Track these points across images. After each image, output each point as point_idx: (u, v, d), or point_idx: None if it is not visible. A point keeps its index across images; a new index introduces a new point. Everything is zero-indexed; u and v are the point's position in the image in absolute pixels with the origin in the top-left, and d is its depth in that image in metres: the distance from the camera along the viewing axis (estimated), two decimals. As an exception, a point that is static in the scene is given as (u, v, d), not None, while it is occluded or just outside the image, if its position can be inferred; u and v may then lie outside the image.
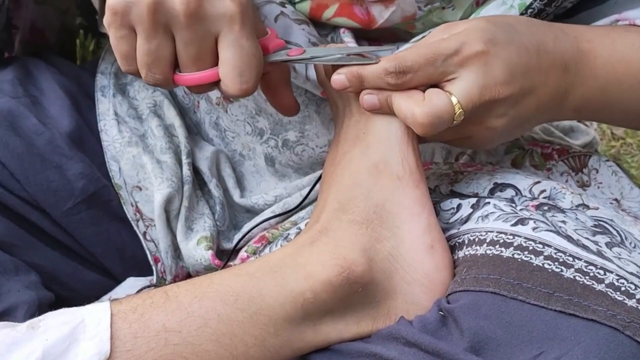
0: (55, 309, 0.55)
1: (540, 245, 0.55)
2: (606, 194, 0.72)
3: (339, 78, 0.60)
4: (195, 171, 0.79)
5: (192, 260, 0.74)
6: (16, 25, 0.81)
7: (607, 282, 0.52)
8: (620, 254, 0.55)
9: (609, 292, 0.52)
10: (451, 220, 0.62)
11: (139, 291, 0.72)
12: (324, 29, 0.73)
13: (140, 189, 0.77)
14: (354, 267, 0.56)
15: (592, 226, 0.59)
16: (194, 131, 0.83)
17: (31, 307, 0.64)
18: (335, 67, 0.61)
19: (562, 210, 0.60)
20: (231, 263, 0.74)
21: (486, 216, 0.59)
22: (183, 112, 0.83)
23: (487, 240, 0.57)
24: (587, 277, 0.53)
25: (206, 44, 0.57)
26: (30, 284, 0.67)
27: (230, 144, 0.80)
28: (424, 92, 0.58)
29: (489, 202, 0.61)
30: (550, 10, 0.67)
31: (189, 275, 0.77)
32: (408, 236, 0.58)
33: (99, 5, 0.76)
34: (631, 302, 0.51)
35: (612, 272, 0.53)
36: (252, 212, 0.79)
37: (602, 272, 0.53)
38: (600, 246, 0.56)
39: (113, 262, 0.76)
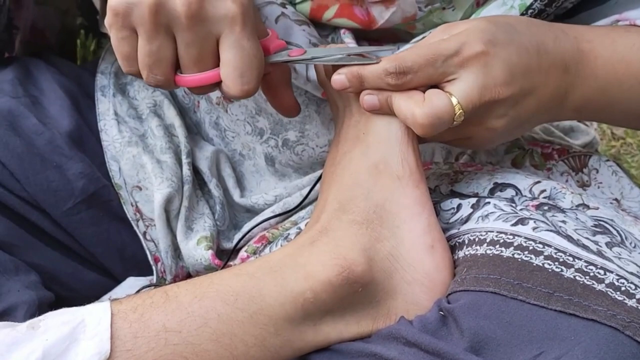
0: (55, 309, 0.55)
1: (541, 245, 0.55)
2: (606, 194, 0.72)
3: (339, 78, 0.60)
4: (195, 171, 0.79)
5: (192, 260, 0.74)
6: (17, 26, 0.81)
7: (607, 282, 0.52)
8: (620, 254, 0.55)
9: (609, 292, 0.52)
10: (451, 220, 0.62)
11: (138, 291, 0.72)
12: (325, 30, 0.73)
13: (140, 188, 0.77)
14: (354, 267, 0.56)
15: (592, 226, 0.59)
16: (194, 131, 0.83)
17: (31, 307, 0.64)
18: (335, 68, 0.61)
19: (562, 210, 0.60)
20: (231, 263, 0.74)
21: (486, 216, 0.59)
22: (183, 111, 0.83)
23: (487, 240, 0.57)
24: (587, 277, 0.53)
25: (207, 45, 0.57)
26: (30, 284, 0.67)
27: (230, 143, 0.80)
28: (424, 92, 0.58)
29: (489, 202, 0.61)
30: (551, 10, 0.67)
31: (189, 275, 0.77)
32: (408, 236, 0.58)
33: (100, 5, 0.76)
34: (631, 302, 0.51)
35: (612, 272, 0.53)
36: (252, 211, 0.79)
37: (602, 272, 0.53)
38: (600, 246, 0.56)
39: (113, 262, 0.76)
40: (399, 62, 0.57)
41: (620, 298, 0.51)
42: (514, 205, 0.60)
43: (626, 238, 0.59)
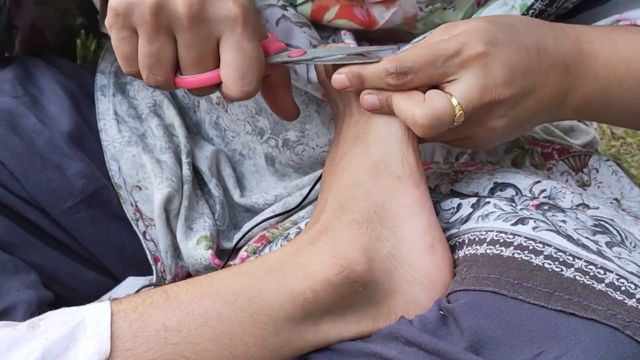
0: (55, 309, 0.55)
1: (541, 245, 0.55)
2: (606, 194, 0.72)
3: (339, 78, 0.60)
4: (195, 171, 0.79)
5: (192, 259, 0.74)
6: (16, 26, 0.81)
7: (607, 281, 0.52)
8: (620, 254, 0.56)
9: (609, 292, 0.52)
10: (451, 220, 0.62)
11: (138, 291, 0.72)
12: (325, 31, 0.73)
13: (140, 188, 0.77)
14: (354, 266, 0.56)
15: (592, 226, 0.59)
16: (194, 131, 0.83)
17: (31, 306, 0.64)
18: (335, 67, 0.61)
19: (562, 210, 0.60)
20: (231, 262, 0.74)
21: (486, 215, 0.59)
22: (183, 111, 0.83)
23: (487, 240, 0.57)
24: (587, 277, 0.53)
25: (208, 46, 0.57)
26: (30, 284, 0.67)
27: (230, 143, 0.80)
28: (424, 92, 0.58)
29: (489, 202, 0.61)
30: (552, 10, 0.67)
31: (188, 275, 0.77)
32: (408, 235, 0.58)
33: (99, 5, 0.76)
34: (631, 302, 0.51)
35: (612, 272, 0.53)
36: (252, 211, 0.79)
37: (602, 271, 0.53)
38: (600, 246, 0.56)
39: (113, 262, 0.76)
40: (400, 62, 0.57)
41: (620, 298, 0.51)
42: (514, 204, 0.60)
43: (626, 238, 0.59)
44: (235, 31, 0.56)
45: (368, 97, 0.59)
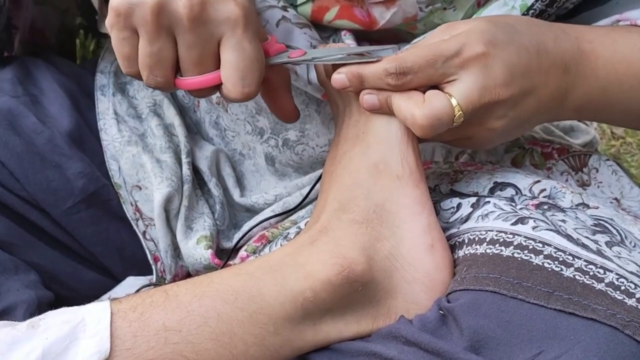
0: (55, 308, 0.55)
1: (540, 244, 0.55)
2: (606, 193, 0.72)
3: (339, 77, 0.60)
4: (195, 170, 0.79)
5: (192, 259, 0.74)
6: (16, 25, 0.81)
7: (607, 281, 0.52)
8: (620, 253, 0.56)
9: (608, 291, 0.52)
10: (451, 220, 0.62)
11: (138, 290, 0.72)
12: (326, 32, 0.73)
13: (140, 188, 0.77)
14: (354, 266, 0.56)
15: (592, 225, 0.59)
16: (194, 130, 0.83)
17: (31, 306, 0.64)
18: (335, 67, 0.61)
19: (562, 210, 0.60)
20: (231, 262, 0.74)
21: (486, 215, 0.59)
22: (183, 111, 0.83)
23: (487, 239, 0.57)
24: (586, 276, 0.53)
25: (208, 48, 0.57)
26: (29, 283, 0.67)
27: (230, 143, 0.80)
28: (424, 93, 0.58)
29: (489, 201, 0.61)
30: (552, 11, 0.67)
31: (188, 275, 0.77)
32: (408, 235, 0.58)
33: (98, 5, 0.76)
34: (631, 302, 0.51)
35: (612, 271, 0.53)
36: (252, 211, 0.79)
37: (601, 271, 0.53)
38: (600, 245, 0.56)
39: (113, 262, 0.76)
40: (399, 62, 0.57)
41: (620, 297, 0.51)
42: (513, 204, 0.60)
43: (626, 237, 0.59)
44: (236, 32, 0.56)
45: (368, 97, 0.59)
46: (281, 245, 0.71)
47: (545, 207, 0.60)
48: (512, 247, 0.55)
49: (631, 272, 0.53)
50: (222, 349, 0.54)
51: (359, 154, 0.60)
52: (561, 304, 0.51)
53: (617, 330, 0.49)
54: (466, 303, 0.53)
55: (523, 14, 0.66)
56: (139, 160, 0.77)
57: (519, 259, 0.54)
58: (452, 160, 0.76)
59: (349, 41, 0.70)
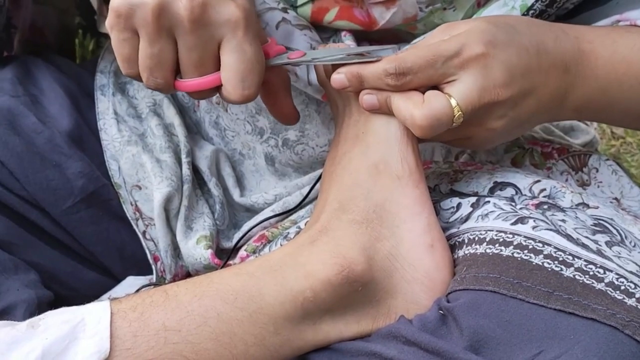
0: (54, 308, 0.55)
1: (540, 244, 0.55)
2: (606, 193, 0.72)
3: (338, 77, 0.60)
4: (195, 170, 0.79)
5: (192, 259, 0.74)
6: (15, 25, 0.80)
7: (606, 281, 0.52)
8: (620, 253, 0.56)
9: (608, 291, 0.52)
10: (451, 219, 0.62)
11: (138, 290, 0.72)
12: (326, 33, 0.73)
13: (140, 188, 0.77)
14: (354, 266, 0.56)
15: (592, 225, 0.59)
16: (194, 130, 0.83)
17: (30, 305, 0.64)
18: (335, 67, 0.61)
19: (562, 209, 0.60)
20: (231, 262, 0.74)
21: (486, 215, 0.59)
22: (183, 111, 0.83)
23: (487, 239, 0.57)
24: (586, 276, 0.53)
25: (209, 50, 0.57)
26: (29, 283, 0.67)
27: (230, 143, 0.80)
28: (423, 93, 0.58)
29: (488, 201, 0.61)
30: (552, 11, 0.67)
31: (188, 275, 0.77)
32: (408, 235, 0.58)
33: (97, 5, 0.76)
34: (631, 301, 0.51)
35: (611, 271, 0.53)
36: (251, 211, 0.79)
37: (601, 271, 0.53)
38: (600, 245, 0.56)
39: (112, 261, 0.76)
40: (399, 62, 0.57)
41: (619, 297, 0.51)
42: (513, 204, 0.60)
43: (626, 237, 0.59)
44: (236, 34, 0.56)
45: (367, 97, 0.59)
46: (281, 245, 0.71)
47: (545, 206, 0.60)
48: (511, 247, 0.55)
49: (631, 272, 0.53)
50: (222, 348, 0.54)
51: (358, 154, 0.60)
52: (561, 303, 0.51)
53: (617, 330, 0.49)
54: (466, 303, 0.53)
55: (523, 14, 0.66)
56: (139, 160, 0.77)
57: (519, 258, 0.54)
58: (452, 160, 0.76)
59: (349, 42, 0.70)
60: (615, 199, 0.72)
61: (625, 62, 0.62)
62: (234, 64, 0.57)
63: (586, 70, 0.61)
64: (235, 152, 0.80)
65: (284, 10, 0.70)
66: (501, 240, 0.56)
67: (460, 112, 0.57)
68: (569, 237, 0.55)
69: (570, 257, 0.54)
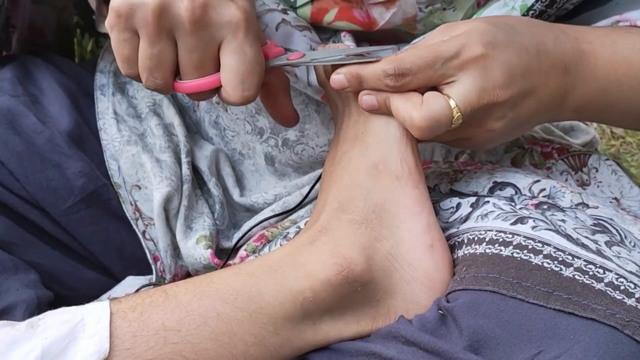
0: (54, 308, 0.55)
1: (540, 244, 0.55)
2: (606, 193, 0.72)
3: (338, 78, 0.60)
4: (195, 170, 0.79)
5: (192, 259, 0.74)
6: (14, 24, 0.80)
7: (606, 281, 0.52)
8: (619, 253, 0.56)
9: (608, 291, 0.52)
10: (451, 219, 0.62)
11: (138, 290, 0.72)
12: (326, 33, 0.73)
13: (140, 187, 0.77)
14: (354, 266, 0.56)
15: (591, 225, 0.59)
16: (194, 130, 0.83)
17: (30, 305, 0.64)
18: (335, 67, 0.61)
19: (562, 209, 0.60)
20: (230, 262, 0.74)
21: (485, 215, 0.59)
22: (183, 110, 0.83)
23: (487, 239, 0.57)
24: (586, 276, 0.53)
25: (209, 51, 0.57)
26: (29, 283, 0.67)
27: (230, 142, 0.80)
28: (422, 94, 0.58)
29: (488, 201, 0.61)
30: (552, 11, 0.67)
31: (188, 274, 0.77)
32: (407, 235, 0.58)
33: (97, 5, 0.76)
34: (630, 301, 0.51)
35: (611, 271, 0.53)
36: (251, 211, 0.79)
37: (601, 271, 0.53)
38: (599, 245, 0.56)
39: (112, 261, 0.76)
40: (398, 63, 0.57)
41: (619, 297, 0.51)
42: (513, 204, 0.60)
43: (625, 237, 0.59)
44: (237, 36, 0.56)
45: (366, 98, 0.59)
46: (281, 244, 0.71)
47: (545, 206, 0.60)
48: (511, 247, 0.55)
49: (631, 272, 0.53)
50: (222, 348, 0.54)
51: (358, 155, 0.60)
52: (560, 303, 0.51)
53: (616, 330, 0.50)
54: (465, 303, 0.53)
55: (523, 15, 0.66)
56: (139, 159, 0.77)
57: (519, 258, 0.54)
58: (452, 160, 0.76)
59: (348, 42, 0.70)
60: (615, 198, 0.72)
61: (625, 63, 0.62)
62: (234, 66, 0.57)
63: (586, 70, 0.61)
64: (235, 152, 0.80)
65: (284, 11, 0.70)
66: (501, 240, 0.56)
67: (459, 114, 0.57)
68: (568, 237, 0.55)
69: (570, 257, 0.54)
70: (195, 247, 0.74)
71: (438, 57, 0.57)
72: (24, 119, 0.72)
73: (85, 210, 0.73)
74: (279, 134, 0.75)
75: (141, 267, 0.76)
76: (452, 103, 0.56)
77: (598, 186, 0.73)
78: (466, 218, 0.61)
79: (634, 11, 0.65)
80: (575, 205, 0.62)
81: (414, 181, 0.59)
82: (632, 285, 0.52)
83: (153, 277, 0.75)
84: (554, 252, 0.54)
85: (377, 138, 0.60)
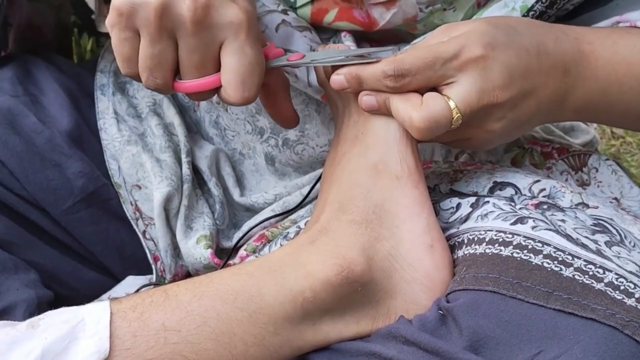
0: (54, 308, 0.55)
1: (540, 244, 0.55)
2: (606, 193, 0.72)
3: (338, 79, 0.60)
4: (195, 170, 0.79)
5: (192, 259, 0.74)
6: (10, 23, 0.80)
7: (606, 281, 0.52)
8: (619, 253, 0.56)
9: (608, 291, 0.52)
10: (451, 220, 0.62)
11: (138, 290, 0.72)
12: (326, 33, 0.73)
13: (140, 187, 0.77)
14: (354, 266, 0.56)
15: (591, 225, 0.59)
16: (194, 130, 0.83)
17: (30, 305, 0.64)
18: (335, 68, 0.61)
19: (562, 209, 0.60)
20: (231, 262, 0.74)
21: (485, 215, 0.59)
22: (183, 110, 0.83)
23: (487, 239, 0.57)
24: (586, 276, 0.53)
25: (210, 52, 0.57)
26: (29, 283, 0.67)
27: (230, 142, 0.80)
28: (422, 95, 0.58)
29: (488, 201, 0.61)
30: (552, 12, 0.67)
31: (188, 274, 0.77)
32: (407, 235, 0.58)
33: (97, 4, 0.76)
34: (630, 301, 0.51)
35: (611, 271, 0.53)
36: (251, 210, 0.79)
37: (601, 271, 0.53)
38: (599, 245, 0.56)
39: (112, 261, 0.76)
40: (397, 64, 0.57)
41: (619, 297, 0.51)
42: (513, 204, 0.60)
43: (625, 237, 0.59)
44: (238, 37, 0.56)
45: (366, 99, 0.59)
46: (281, 244, 0.71)
47: (545, 206, 0.60)
48: (511, 247, 0.55)
49: (630, 272, 0.53)
50: (222, 348, 0.54)
51: (358, 155, 0.60)
52: (560, 303, 0.51)
53: (616, 330, 0.50)
54: (465, 303, 0.53)
55: (523, 15, 0.66)
56: (139, 159, 0.77)
57: (518, 258, 0.54)
58: (452, 160, 0.76)
59: (348, 42, 0.70)
60: (615, 198, 0.72)
61: (626, 64, 0.62)
62: (235, 66, 0.57)
63: (586, 71, 0.61)
64: (235, 151, 0.80)
65: (284, 12, 0.70)
66: (500, 240, 0.56)
67: (458, 114, 0.57)
68: (568, 237, 0.55)
69: (570, 257, 0.54)
70: (196, 247, 0.74)
71: (437, 58, 0.57)
72: (24, 119, 0.72)
73: (86, 210, 0.74)
74: (279, 133, 0.75)
75: (141, 267, 0.76)
76: (452, 104, 0.57)
77: (598, 186, 0.73)
78: (466, 218, 0.61)
79: (634, 12, 0.65)
80: (575, 205, 0.62)
81: (413, 181, 0.59)
82: (632, 285, 0.52)
83: (153, 277, 0.75)
84: (554, 252, 0.54)
85: (377, 138, 0.60)
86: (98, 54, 0.87)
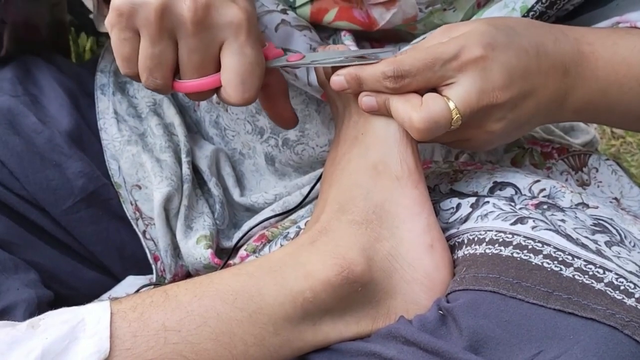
0: (54, 308, 0.55)
1: (540, 244, 0.55)
2: (606, 193, 0.72)
3: (337, 79, 0.60)
4: (195, 170, 0.79)
5: (192, 258, 0.74)
6: (4, 21, 0.79)
7: (606, 281, 0.52)
8: (619, 253, 0.56)
9: (608, 291, 0.52)
10: (451, 220, 0.62)
11: (138, 290, 0.72)
12: (326, 32, 0.73)
13: (140, 187, 0.77)
14: (354, 266, 0.56)
15: (591, 225, 0.59)
16: (194, 130, 0.83)
17: (30, 305, 0.64)
18: (335, 68, 0.61)
19: (562, 209, 0.60)
20: (231, 262, 0.74)
21: (485, 215, 0.59)
22: (183, 110, 0.83)
23: (487, 240, 0.57)
24: (586, 276, 0.53)
25: (210, 52, 0.57)
26: (29, 283, 0.67)
27: (230, 142, 0.80)
28: (422, 95, 0.58)
29: (488, 201, 0.61)
30: (552, 12, 0.67)
31: (188, 274, 0.77)
32: (407, 236, 0.58)
33: (97, 4, 0.76)
34: (630, 301, 0.51)
35: (611, 271, 0.53)
36: (251, 210, 0.79)
37: (601, 271, 0.53)
38: (599, 245, 0.56)
39: (112, 261, 0.76)
40: (397, 65, 0.57)
41: (619, 297, 0.51)
42: (513, 204, 0.61)
43: (625, 237, 0.59)
44: (239, 37, 0.56)
45: (366, 99, 0.59)
46: (281, 244, 0.71)
47: (545, 206, 0.60)
48: (511, 247, 0.55)
49: (630, 272, 0.53)
50: (222, 349, 0.54)
51: (358, 155, 0.60)
52: (560, 303, 0.51)
53: (616, 330, 0.50)
54: (465, 303, 0.53)
55: (523, 16, 0.65)
56: (139, 159, 0.77)
57: (518, 258, 0.54)
58: (452, 160, 0.76)
59: (348, 42, 0.70)
60: (615, 198, 0.72)
61: (626, 64, 0.62)
62: (234, 67, 0.57)
63: (586, 71, 0.61)
64: (235, 151, 0.80)
65: (283, 11, 0.70)
66: (500, 240, 0.56)
67: (458, 115, 0.57)
68: (568, 237, 0.55)
69: (570, 257, 0.54)
70: (196, 247, 0.74)
71: (437, 58, 0.57)
72: (24, 119, 0.72)
73: (86, 210, 0.74)
74: (279, 133, 0.75)
75: (141, 266, 0.76)
76: (452, 104, 0.57)
77: (598, 186, 0.73)
78: (466, 218, 0.61)
79: (634, 12, 0.65)
80: (575, 205, 0.62)
81: (413, 181, 0.59)
82: (632, 285, 0.52)
83: (153, 277, 0.75)
84: (554, 252, 0.54)
85: (377, 139, 0.60)
86: (98, 53, 0.87)
